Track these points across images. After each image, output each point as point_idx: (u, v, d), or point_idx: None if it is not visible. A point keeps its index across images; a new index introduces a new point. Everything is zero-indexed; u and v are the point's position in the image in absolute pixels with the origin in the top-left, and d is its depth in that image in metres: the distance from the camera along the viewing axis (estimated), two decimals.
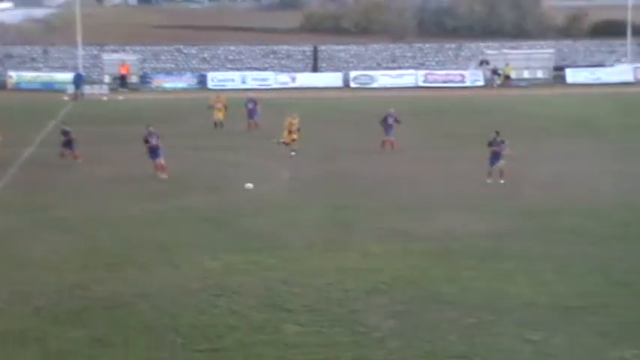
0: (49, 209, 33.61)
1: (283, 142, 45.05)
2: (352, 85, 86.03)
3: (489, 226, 31.03)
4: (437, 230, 30.48)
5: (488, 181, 38.47)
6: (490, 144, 39.25)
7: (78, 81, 75.27)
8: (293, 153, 44.46)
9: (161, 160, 39.39)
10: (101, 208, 33.46)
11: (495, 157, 38.94)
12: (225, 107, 54.60)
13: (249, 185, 35.06)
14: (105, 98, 74.71)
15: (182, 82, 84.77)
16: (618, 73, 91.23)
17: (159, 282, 24.62)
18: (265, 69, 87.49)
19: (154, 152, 39.54)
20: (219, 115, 54.39)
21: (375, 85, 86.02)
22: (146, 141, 39.60)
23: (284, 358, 19.08)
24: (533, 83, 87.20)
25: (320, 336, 20.42)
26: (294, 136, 45.18)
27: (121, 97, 74.38)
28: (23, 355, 19.39)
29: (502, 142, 38.91)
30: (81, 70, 78.45)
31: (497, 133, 39.19)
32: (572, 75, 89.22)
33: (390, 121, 47.22)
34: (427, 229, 30.59)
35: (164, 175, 38.84)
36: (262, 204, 34.51)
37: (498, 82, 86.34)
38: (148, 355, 19.31)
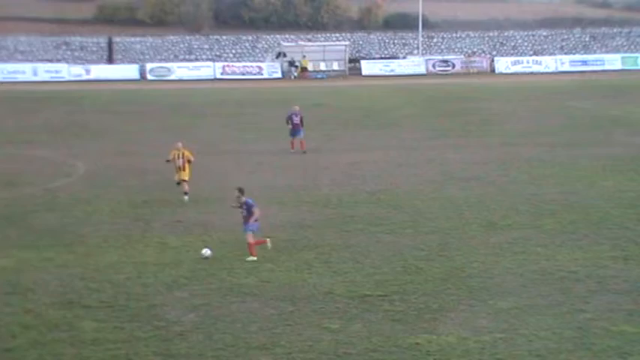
0: None
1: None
2: (149, 77, 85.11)
3: (289, 216, 31.26)
4: (234, 222, 30.45)
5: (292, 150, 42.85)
6: (288, 119, 43.93)
7: None
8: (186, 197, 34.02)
9: None
10: None
11: (297, 129, 43.65)
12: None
13: (207, 252, 26.00)
14: None
15: None
16: (410, 65, 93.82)
17: None
18: (58, 61, 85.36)
19: None
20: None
21: (172, 77, 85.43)
22: None
23: (81, 356, 18.62)
24: (330, 75, 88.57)
25: (119, 332, 20.05)
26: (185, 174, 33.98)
27: None
28: None
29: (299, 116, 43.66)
30: None
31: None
32: (366, 67, 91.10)
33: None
34: (226, 221, 30.53)
35: None
36: (57, 199, 33.64)
37: (295, 74, 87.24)
38: None
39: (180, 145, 33.89)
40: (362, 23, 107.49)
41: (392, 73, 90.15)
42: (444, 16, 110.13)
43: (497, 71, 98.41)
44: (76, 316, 21.07)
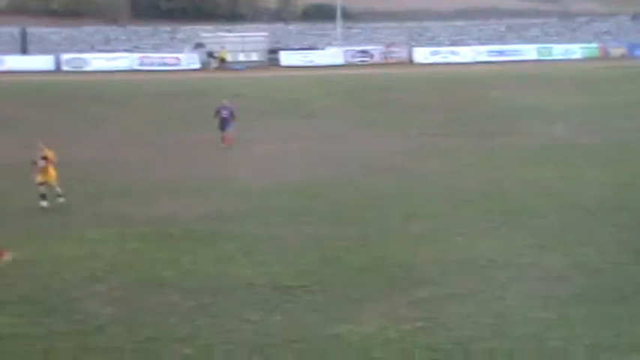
0: None
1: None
2: (65, 68, 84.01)
3: (210, 208, 31.13)
4: (157, 214, 30.25)
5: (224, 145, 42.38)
6: (217, 112, 43.34)
7: None
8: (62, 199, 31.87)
9: None
10: None
11: (225, 123, 43.28)
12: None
13: None
14: None
15: None
16: (329, 55, 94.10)
17: None
18: None
19: None
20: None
21: (88, 68, 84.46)
22: None
23: None
24: (249, 66, 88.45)
25: (37, 326, 19.77)
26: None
27: None
28: None
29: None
30: None
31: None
32: (286, 58, 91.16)
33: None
34: (147, 213, 30.30)
35: None
36: None
37: (214, 64, 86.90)
38: None
39: (41, 145, 31.29)
40: (280, 14, 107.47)
41: (311, 64, 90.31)
42: (363, 7, 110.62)
43: (415, 61, 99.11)
44: None
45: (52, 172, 30.90)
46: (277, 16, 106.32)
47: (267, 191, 33.82)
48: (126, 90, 67.81)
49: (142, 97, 62.77)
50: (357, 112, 58.43)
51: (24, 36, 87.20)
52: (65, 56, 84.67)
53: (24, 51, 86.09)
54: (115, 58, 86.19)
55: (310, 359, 18.07)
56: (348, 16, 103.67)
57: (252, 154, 42.02)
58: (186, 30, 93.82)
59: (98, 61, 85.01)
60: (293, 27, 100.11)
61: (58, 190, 30.98)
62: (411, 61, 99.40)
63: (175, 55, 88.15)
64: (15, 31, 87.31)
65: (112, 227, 28.42)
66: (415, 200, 31.69)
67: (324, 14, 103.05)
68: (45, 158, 30.86)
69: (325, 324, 19.79)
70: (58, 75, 79.92)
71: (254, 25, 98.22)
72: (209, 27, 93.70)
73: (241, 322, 20.06)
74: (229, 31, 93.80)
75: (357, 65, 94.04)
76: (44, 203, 30.62)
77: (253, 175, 37.16)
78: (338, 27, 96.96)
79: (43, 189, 30.69)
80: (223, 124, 43.60)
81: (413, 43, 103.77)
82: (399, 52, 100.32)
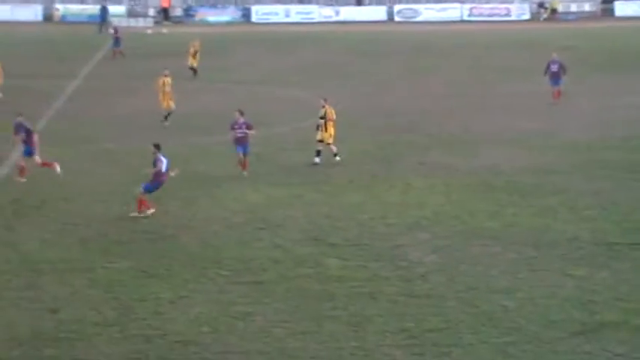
0: (95, 142, 33.89)
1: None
2: (396, 18, 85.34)
3: (533, 160, 30.87)
4: (479, 165, 30.38)
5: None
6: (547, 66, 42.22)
7: (103, 14, 75.18)
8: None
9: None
10: (145, 141, 33.26)
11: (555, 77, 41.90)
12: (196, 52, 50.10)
13: None
14: (149, 31, 74.75)
15: (226, 15, 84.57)
16: None
17: (202, 215, 24.81)
18: (309, 2, 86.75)
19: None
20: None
21: (419, 18, 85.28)
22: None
23: (327, 292, 19.21)
24: (581, 16, 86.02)
25: (363, 270, 20.53)
26: None
27: (164, 31, 74.36)
28: (72, 284, 19.70)
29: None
30: (107, 3, 77.98)
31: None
32: (621, 7, 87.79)
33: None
34: (470, 164, 30.49)
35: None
36: (306, 139, 34.42)
37: (545, 15, 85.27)
38: (192, 287, 19.53)
39: (322, 101, 30.87)
40: None
41: None
42: None
43: None
44: (322, 253, 21.72)
45: (330, 130, 30.54)
46: None
47: (596, 145, 33.01)
48: (454, 40, 68.01)
49: (469, 48, 62.75)
50: None
51: None
52: (397, 7, 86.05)
53: (358, 2, 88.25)
54: (444, 9, 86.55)
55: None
56: None
57: (580, 108, 41.05)
58: None
59: (429, 12, 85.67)
60: None
61: (333, 148, 30.71)
62: None
63: (505, 5, 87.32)
64: None
65: (436, 177, 28.82)
66: None
67: None
68: (322, 117, 30.52)
69: None
70: (390, 25, 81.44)
71: None
72: None
73: (564, 277, 19.87)
74: None
75: None
76: (317, 159, 30.37)
77: (580, 128, 36.33)
78: None
79: (320, 146, 30.56)
80: (554, 78, 42.33)
81: None
82: None
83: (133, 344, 16.76)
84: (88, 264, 20.89)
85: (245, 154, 28.95)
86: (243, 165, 28.91)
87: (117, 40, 58.88)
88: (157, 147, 25.04)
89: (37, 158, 28.21)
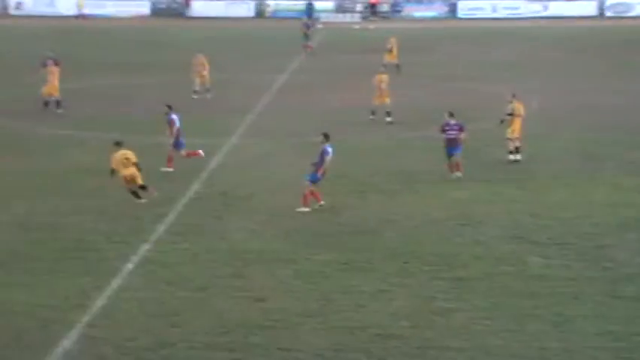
0: (300, 135, 34.52)
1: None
2: (607, 13, 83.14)
3: None
4: None
5: None
6: None
7: (309, 10, 76.38)
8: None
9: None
10: (347, 135, 33.64)
11: None
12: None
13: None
14: (356, 27, 75.57)
15: (432, 10, 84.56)
16: None
17: (403, 209, 24.93)
18: None
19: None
20: None
21: (632, 13, 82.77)
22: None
23: (529, 290, 18.97)
24: None
25: (565, 270, 20.17)
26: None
27: (371, 26, 74.97)
28: (277, 274, 20.19)
29: None
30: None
31: None
32: None
33: None
34: None
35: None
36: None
37: None
38: (393, 281, 19.67)
39: (510, 98, 30.65)
40: None
41: None
42: None
43: None
44: (524, 250, 21.47)
45: (516, 126, 29.95)
46: None
47: None
48: None
49: None
50: None
51: None
52: (608, 1, 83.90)
53: None
54: None
55: None
56: None
57: None
58: None
59: None
60: None
61: (517, 143, 29.86)
62: None
63: None
64: None
65: None
66: None
67: None
68: (510, 114, 30.07)
69: None
70: (600, 20, 79.46)
71: None
72: None
73: None
74: None
75: None
76: (511, 157, 29.86)
77: None
78: None
79: (510, 144, 29.97)
80: None
81: None
82: None
83: (334, 335, 17.03)
84: (292, 255, 21.35)
85: (457, 155, 28.34)
86: (457, 166, 28.41)
87: (306, 36, 60.58)
88: (326, 136, 25.14)
89: (184, 151, 29.02)
